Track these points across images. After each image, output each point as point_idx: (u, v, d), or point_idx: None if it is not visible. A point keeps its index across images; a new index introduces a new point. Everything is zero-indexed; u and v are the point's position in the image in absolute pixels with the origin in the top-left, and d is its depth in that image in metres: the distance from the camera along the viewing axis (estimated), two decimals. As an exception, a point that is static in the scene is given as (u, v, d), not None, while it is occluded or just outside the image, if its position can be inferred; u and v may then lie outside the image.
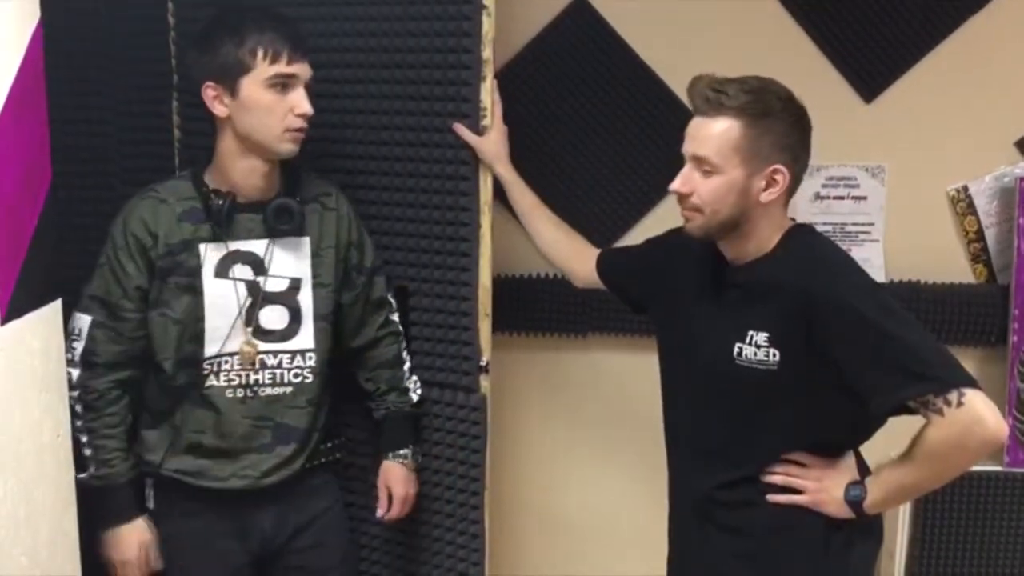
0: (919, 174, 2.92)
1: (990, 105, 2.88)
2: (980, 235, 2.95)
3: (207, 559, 2.29)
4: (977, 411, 1.82)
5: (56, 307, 1.73)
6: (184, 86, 2.63)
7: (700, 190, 1.97)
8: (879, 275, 2.93)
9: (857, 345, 1.88)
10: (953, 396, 1.82)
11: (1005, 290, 2.91)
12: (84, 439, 2.21)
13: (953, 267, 2.96)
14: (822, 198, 2.94)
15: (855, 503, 1.99)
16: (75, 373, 2.19)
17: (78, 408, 2.19)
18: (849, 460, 2.06)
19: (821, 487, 2.01)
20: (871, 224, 2.95)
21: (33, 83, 1.63)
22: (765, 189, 1.95)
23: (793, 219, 2.07)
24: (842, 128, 2.79)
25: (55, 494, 1.72)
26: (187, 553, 2.29)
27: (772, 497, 2.03)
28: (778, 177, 1.94)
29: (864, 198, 2.94)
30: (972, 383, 1.85)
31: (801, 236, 2.04)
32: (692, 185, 1.98)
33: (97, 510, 2.19)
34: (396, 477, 2.44)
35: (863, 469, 2.08)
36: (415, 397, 2.49)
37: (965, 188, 2.93)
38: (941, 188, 2.94)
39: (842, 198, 2.94)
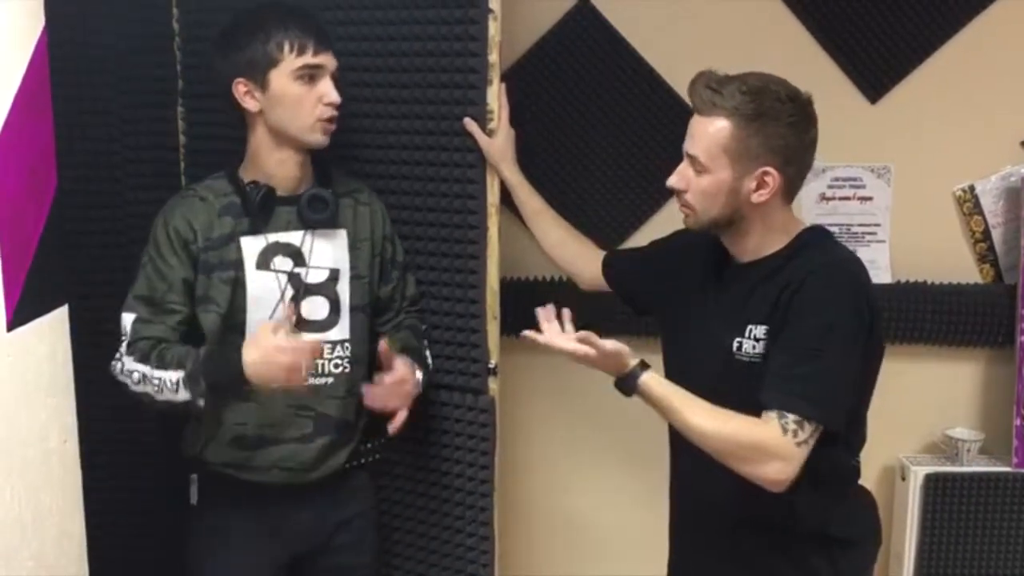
0: (925, 174, 2.92)
1: (995, 105, 2.88)
2: (986, 235, 2.95)
3: (249, 555, 2.30)
4: (797, 455, 1.85)
5: (63, 312, 1.73)
6: (189, 92, 2.64)
7: (692, 188, 1.99)
8: (885, 276, 2.93)
9: (791, 338, 1.90)
10: (807, 429, 1.85)
11: (1012, 290, 2.91)
12: (156, 379, 2.09)
13: (959, 267, 2.96)
14: (828, 199, 2.94)
15: (629, 377, 1.94)
16: (124, 361, 2.13)
17: (135, 375, 2.11)
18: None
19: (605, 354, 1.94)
20: (877, 224, 2.95)
21: (38, 89, 1.63)
22: (756, 190, 1.95)
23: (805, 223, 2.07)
24: (847, 129, 2.79)
25: (62, 498, 1.72)
26: (229, 549, 2.29)
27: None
28: (768, 179, 1.94)
29: (870, 199, 2.94)
30: (830, 424, 1.88)
31: (813, 237, 2.03)
32: (686, 182, 2.00)
33: (226, 385, 2.09)
34: (403, 361, 2.28)
35: (855, 474, 2.09)
36: (430, 361, 2.43)
37: (971, 188, 2.93)
38: (947, 188, 2.94)
39: (848, 199, 2.94)
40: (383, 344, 2.26)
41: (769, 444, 1.85)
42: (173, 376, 2.08)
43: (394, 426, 2.27)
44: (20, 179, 1.58)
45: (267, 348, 2.03)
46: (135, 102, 2.66)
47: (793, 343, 1.90)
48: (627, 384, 1.95)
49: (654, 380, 1.95)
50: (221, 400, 2.19)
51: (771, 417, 1.86)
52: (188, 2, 2.62)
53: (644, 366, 1.96)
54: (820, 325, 1.89)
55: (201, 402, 2.09)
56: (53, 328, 1.70)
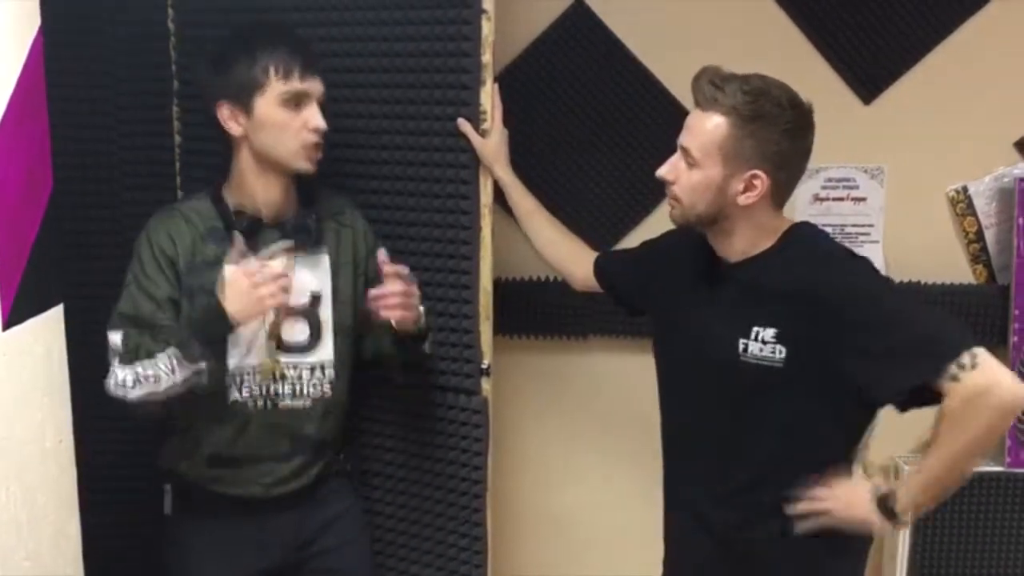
0: (918, 175, 2.93)
1: (989, 106, 2.88)
2: (980, 236, 2.95)
3: (225, 565, 2.29)
4: (992, 370, 1.79)
5: (58, 312, 1.73)
6: (184, 92, 2.64)
7: (681, 180, 1.99)
8: (879, 276, 2.94)
9: (876, 330, 1.87)
10: (966, 359, 1.79)
11: (1005, 290, 2.92)
12: (151, 372, 2.05)
13: (953, 268, 2.97)
14: (822, 199, 2.95)
15: (886, 507, 1.93)
16: (116, 372, 2.09)
17: (128, 380, 2.07)
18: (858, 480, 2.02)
19: (845, 502, 1.97)
20: (871, 225, 2.95)
21: (34, 90, 1.64)
22: (743, 192, 1.95)
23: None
24: (841, 130, 2.79)
25: (58, 498, 1.73)
26: (205, 559, 2.29)
27: (802, 527, 1.98)
28: (756, 182, 1.94)
29: (864, 199, 2.95)
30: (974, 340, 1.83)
31: (802, 233, 2.04)
32: (676, 174, 2.00)
33: (213, 332, 2.08)
34: (401, 272, 2.24)
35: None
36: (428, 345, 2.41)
37: (964, 189, 2.93)
38: (940, 189, 2.95)
39: (842, 199, 2.95)
40: (382, 254, 2.22)
41: (968, 395, 1.79)
42: (165, 359, 2.04)
43: (405, 320, 2.23)
44: (16, 179, 1.59)
45: (232, 272, 2.05)
46: (131, 103, 2.67)
47: (882, 334, 1.87)
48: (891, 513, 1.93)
49: (903, 494, 1.93)
50: (200, 419, 2.20)
51: (943, 386, 1.82)
52: (184, 2, 2.62)
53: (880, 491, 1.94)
54: (879, 300, 1.90)
55: (203, 368, 2.06)
56: (49, 328, 1.70)
